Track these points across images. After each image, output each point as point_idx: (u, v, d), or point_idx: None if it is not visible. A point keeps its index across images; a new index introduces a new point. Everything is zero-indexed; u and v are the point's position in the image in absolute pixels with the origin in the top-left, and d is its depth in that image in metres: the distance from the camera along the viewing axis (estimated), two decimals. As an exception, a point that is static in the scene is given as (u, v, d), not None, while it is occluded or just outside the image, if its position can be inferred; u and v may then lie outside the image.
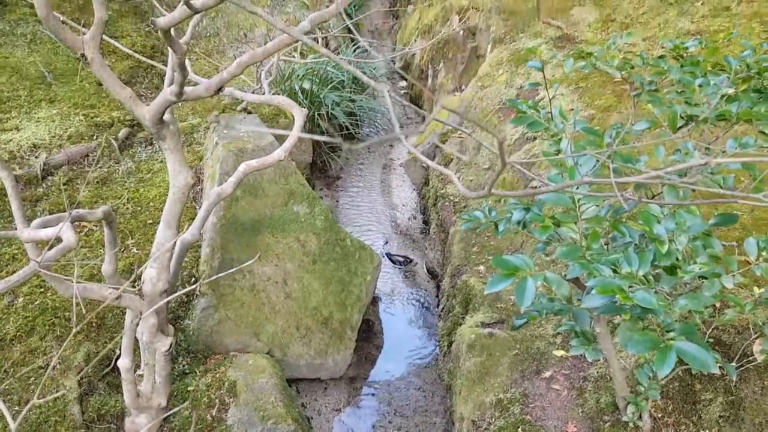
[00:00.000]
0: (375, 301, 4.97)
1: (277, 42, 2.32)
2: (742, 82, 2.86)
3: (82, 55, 2.48)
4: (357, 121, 7.26)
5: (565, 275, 2.09)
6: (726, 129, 2.77)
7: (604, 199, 2.28)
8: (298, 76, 6.41)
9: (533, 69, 6.02)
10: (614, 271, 1.85)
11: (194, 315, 3.95)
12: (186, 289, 3.01)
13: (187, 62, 4.32)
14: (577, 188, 2.13)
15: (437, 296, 5.05)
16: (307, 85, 6.42)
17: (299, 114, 3.42)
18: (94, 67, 2.52)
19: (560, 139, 2.41)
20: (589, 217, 2.09)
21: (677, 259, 1.85)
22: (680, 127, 2.81)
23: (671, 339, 1.60)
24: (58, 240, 2.17)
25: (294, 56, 6.56)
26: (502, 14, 6.81)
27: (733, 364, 2.68)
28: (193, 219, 3.67)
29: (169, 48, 2.44)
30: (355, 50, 8.34)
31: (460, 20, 7.20)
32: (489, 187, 1.27)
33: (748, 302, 2.61)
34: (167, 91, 2.58)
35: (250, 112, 5.39)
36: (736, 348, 2.84)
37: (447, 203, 5.31)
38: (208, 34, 6.43)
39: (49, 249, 2.23)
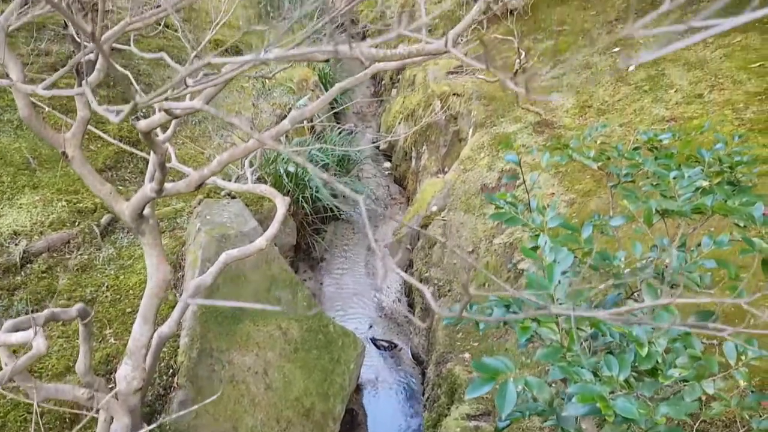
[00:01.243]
0: (359, 389, 4.85)
1: (255, 143, 2.36)
2: (715, 175, 2.92)
3: (63, 152, 2.50)
4: (343, 202, 7.32)
5: (547, 376, 2.05)
6: (702, 222, 2.81)
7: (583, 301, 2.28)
8: (283, 159, 6.50)
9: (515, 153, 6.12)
10: (594, 374, 1.82)
11: (171, 408, 3.82)
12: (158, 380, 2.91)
13: (171, 149, 4.37)
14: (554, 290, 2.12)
15: (423, 383, 4.94)
16: (292, 168, 6.49)
17: (281, 203, 3.44)
18: (74, 165, 2.53)
19: (538, 235, 2.42)
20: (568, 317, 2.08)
21: (657, 361, 1.83)
22: (660, 218, 2.85)
23: (654, 449, 1.56)
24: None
25: (280, 141, 6.67)
26: (483, 100, 7.00)
27: (723, 461, 2.61)
28: (173, 308, 3.61)
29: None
30: (340, 133, 8.50)
31: (441, 105, 7.39)
32: (460, 311, 1.26)
33: (734, 395, 2.57)
34: (147, 188, 2.59)
35: (233, 197, 5.42)
36: (725, 443, 2.78)
37: (431, 287, 5.28)
38: (194, 121, 6.53)
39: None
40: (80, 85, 2.31)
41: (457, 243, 5.36)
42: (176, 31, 6.96)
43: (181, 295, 4.20)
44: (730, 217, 2.60)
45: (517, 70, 6.05)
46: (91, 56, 2.31)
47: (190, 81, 1.84)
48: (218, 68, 1.80)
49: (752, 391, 2.56)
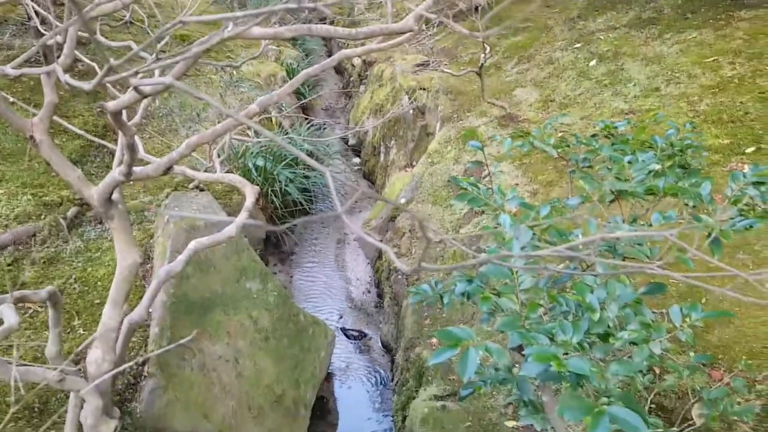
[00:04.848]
0: (329, 377, 4.91)
1: (225, 125, 2.41)
2: (667, 158, 3.06)
3: (31, 137, 2.52)
4: (311, 197, 7.37)
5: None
6: (654, 203, 2.94)
7: (539, 272, 2.38)
8: (252, 153, 6.52)
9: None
10: (551, 339, 1.92)
11: (141, 397, 3.84)
12: (127, 364, 2.95)
13: (138, 141, 4.38)
14: (514, 260, 2.22)
15: (392, 370, 5.03)
16: (261, 162, 6.52)
17: (250, 192, 3.49)
18: (42, 150, 2.55)
19: (499, 215, 2.52)
20: (527, 288, 2.18)
21: (609, 326, 1.94)
22: (612, 201, 2.98)
23: (605, 404, 1.66)
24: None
25: (249, 134, 6.69)
26: (449, 95, 7.12)
27: (675, 429, 2.74)
28: (142, 298, 3.62)
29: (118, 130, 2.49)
30: (308, 128, 8.54)
31: (409, 100, 7.49)
32: (418, 262, 1.34)
33: (686, 368, 2.71)
34: (116, 172, 2.62)
35: (202, 189, 5.44)
36: (677, 413, 2.92)
37: (400, 276, 5.37)
38: (161, 114, 6.52)
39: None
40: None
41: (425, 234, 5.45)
42: (143, 24, 6.93)
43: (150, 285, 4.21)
44: (681, 197, 2.74)
45: (482, 64, 6.17)
46: (59, 39, 2.33)
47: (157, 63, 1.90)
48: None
49: (694, 353, 2.71)
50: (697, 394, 2.88)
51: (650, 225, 2.38)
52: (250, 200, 3.46)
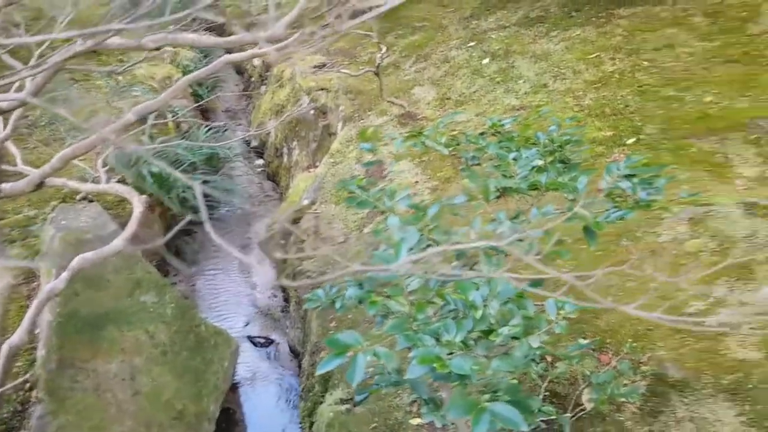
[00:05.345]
0: (235, 387, 4.81)
1: (97, 137, 2.30)
2: (549, 154, 3.19)
3: None
4: (212, 202, 7.18)
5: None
6: (538, 198, 3.06)
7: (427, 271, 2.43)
8: (145, 160, 6.27)
9: (381, 145, 6.29)
10: (437, 340, 1.95)
11: (30, 424, 3.62)
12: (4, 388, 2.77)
13: (17, 153, 4.11)
14: (400, 263, 2.24)
15: (299, 375, 4.98)
16: (156, 169, 6.28)
17: (138, 202, 3.36)
18: None
19: (387, 217, 2.54)
20: (415, 289, 2.21)
21: (491, 323, 1.99)
22: (498, 197, 3.08)
23: (487, 401, 1.71)
24: None
25: (142, 140, 6.43)
26: (350, 94, 7.13)
27: (567, 414, 2.86)
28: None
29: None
30: (208, 131, 8.30)
31: (309, 100, 7.44)
32: (281, 275, 1.32)
33: (575, 355, 2.83)
34: (-20, 189, 2.45)
35: (91, 201, 5.18)
36: (569, 399, 3.05)
37: (305, 279, 5.33)
38: (43, 123, 6.16)
39: None
40: None
41: (329, 234, 5.44)
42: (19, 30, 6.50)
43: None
44: (561, 191, 2.86)
45: (378, 64, 6.22)
46: None
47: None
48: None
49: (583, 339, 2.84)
50: (586, 379, 3.02)
51: (529, 222, 2.46)
52: (137, 210, 3.33)
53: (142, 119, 4.29)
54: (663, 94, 5.29)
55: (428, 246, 2.60)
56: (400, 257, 2.26)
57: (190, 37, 1.59)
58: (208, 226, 1.43)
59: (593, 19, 6.88)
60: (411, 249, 2.36)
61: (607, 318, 3.53)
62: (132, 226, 3.22)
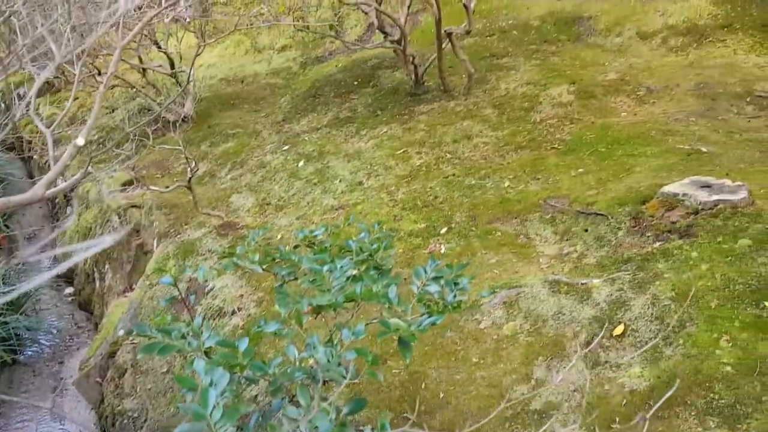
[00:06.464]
0: None
1: None
2: (361, 263, 3.19)
3: None
4: (15, 345, 6.38)
5: None
6: (355, 310, 3.03)
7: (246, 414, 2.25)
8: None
9: (201, 263, 6.02)
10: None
11: None
12: None
13: None
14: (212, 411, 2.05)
15: None
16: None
17: None
18: None
19: (193, 360, 2.33)
20: (229, 440, 2.01)
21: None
22: (317, 315, 2.99)
23: None
24: None
25: None
26: (164, 209, 6.82)
27: None
28: None
29: None
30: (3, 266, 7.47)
31: (120, 219, 7.01)
32: None
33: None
34: None
35: None
36: None
37: (126, 420, 4.81)
38: None
39: None
40: None
41: (150, 366, 5.00)
42: None
43: None
44: (375, 301, 2.84)
45: (190, 177, 6.02)
46: None
47: None
48: None
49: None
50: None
51: (342, 344, 2.39)
52: None
53: None
54: (467, 183, 5.66)
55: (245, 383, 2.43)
56: (209, 405, 2.08)
57: None
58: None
59: (397, 116, 7.30)
60: (223, 392, 2.18)
61: (441, 417, 3.51)
62: None
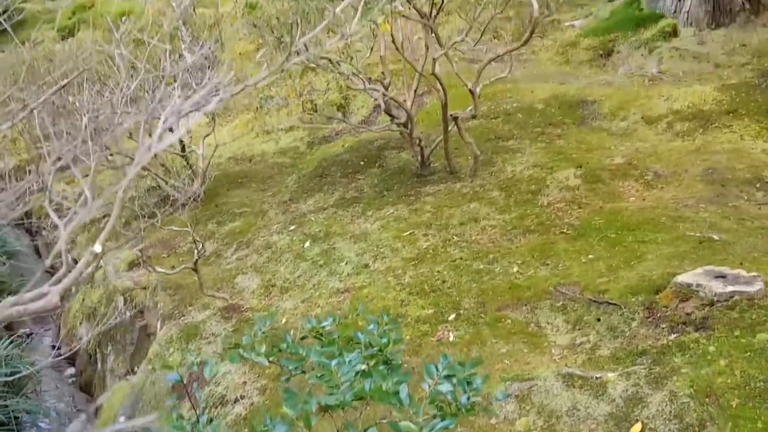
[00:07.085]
0: None
1: None
2: (371, 357, 3.11)
3: None
4: (14, 429, 6.19)
5: None
6: (363, 407, 2.92)
7: None
8: None
9: (204, 347, 5.92)
10: None
11: None
12: None
13: None
14: None
15: None
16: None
17: None
18: None
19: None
20: None
21: None
22: (325, 412, 2.89)
23: None
24: None
25: None
26: (169, 290, 6.76)
27: None
28: None
29: None
30: (9, 344, 7.35)
31: (125, 301, 6.95)
32: None
33: None
34: None
35: None
36: None
37: None
38: None
39: None
40: None
41: (148, 457, 4.81)
42: None
43: None
44: (386, 402, 2.75)
45: (197, 259, 6.00)
46: None
47: None
48: None
49: None
50: None
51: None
52: None
53: None
54: (474, 267, 5.61)
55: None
56: None
57: None
58: None
59: (403, 197, 7.33)
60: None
61: None
62: None
